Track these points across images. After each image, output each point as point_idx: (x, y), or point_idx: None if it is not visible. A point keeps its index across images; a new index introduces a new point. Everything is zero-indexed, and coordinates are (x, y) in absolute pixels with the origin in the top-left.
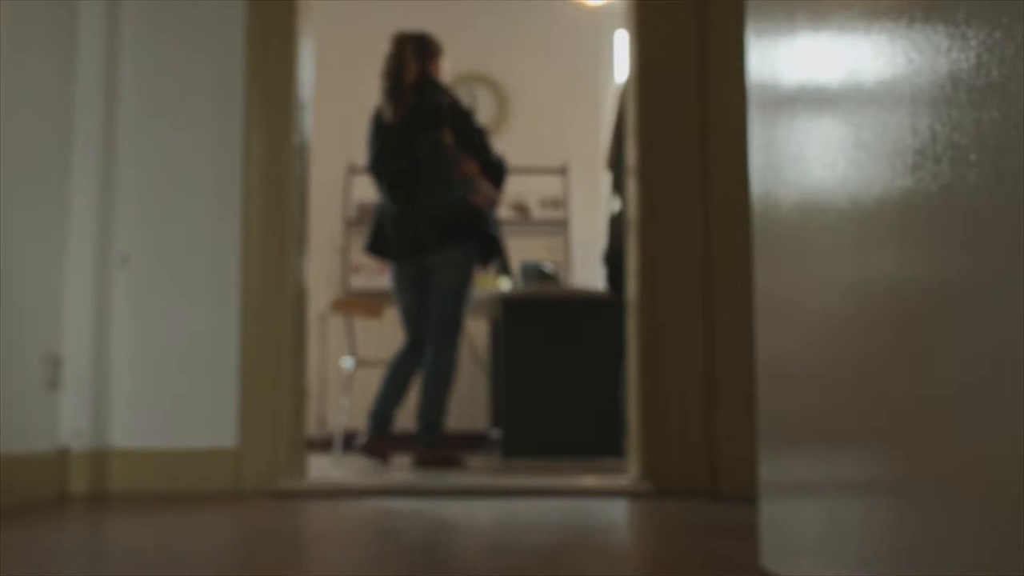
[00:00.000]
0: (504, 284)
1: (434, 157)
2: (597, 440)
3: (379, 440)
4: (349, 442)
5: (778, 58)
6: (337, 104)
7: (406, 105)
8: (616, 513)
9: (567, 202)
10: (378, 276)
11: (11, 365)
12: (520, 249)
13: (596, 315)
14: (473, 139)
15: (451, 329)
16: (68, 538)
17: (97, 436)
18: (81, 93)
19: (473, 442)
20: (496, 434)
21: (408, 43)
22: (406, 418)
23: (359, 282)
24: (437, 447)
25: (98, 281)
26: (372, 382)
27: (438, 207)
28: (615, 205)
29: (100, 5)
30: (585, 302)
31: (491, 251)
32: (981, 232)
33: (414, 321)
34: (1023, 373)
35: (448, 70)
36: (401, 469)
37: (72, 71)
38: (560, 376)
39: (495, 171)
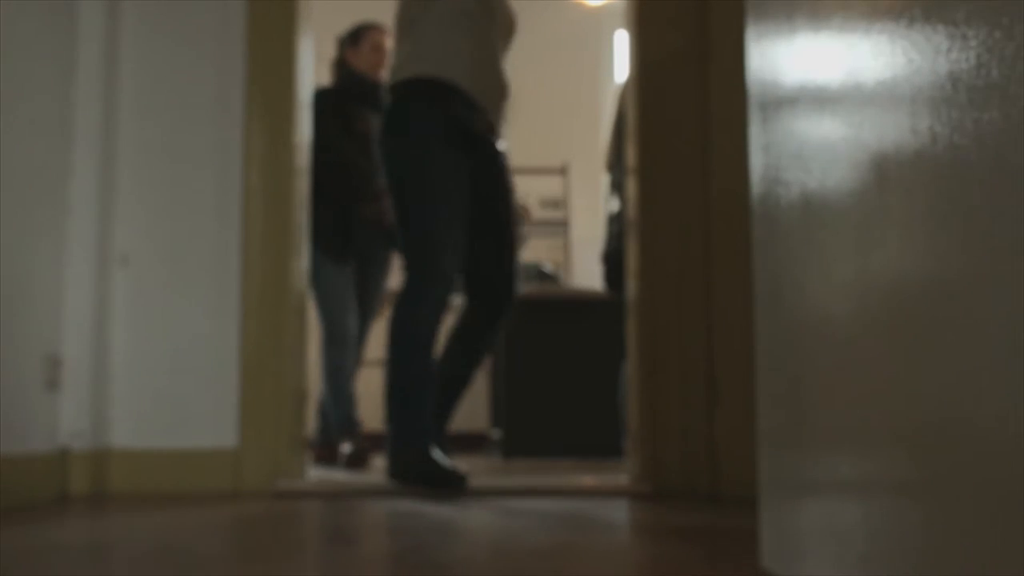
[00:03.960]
0: None
1: None
2: (597, 440)
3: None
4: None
5: (778, 58)
6: None
7: None
8: (616, 513)
9: (567, 202)
10: None
11: (11, 365)
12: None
13: (596, 315)
14: None
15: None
16: (68, 538)
17: (97, 436)
18: (81, 93)
19: (473, 442)
20: (496, 434)
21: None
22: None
23: None
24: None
25: (98, 281)
26: (373, 382)
27: None
28: (614, 205)
29: (100, 5)
30: (585, 302)
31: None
32: (981, 232)
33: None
34: (1023, 373)
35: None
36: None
37: (72, 71)
38: (560, 376)
39: None
